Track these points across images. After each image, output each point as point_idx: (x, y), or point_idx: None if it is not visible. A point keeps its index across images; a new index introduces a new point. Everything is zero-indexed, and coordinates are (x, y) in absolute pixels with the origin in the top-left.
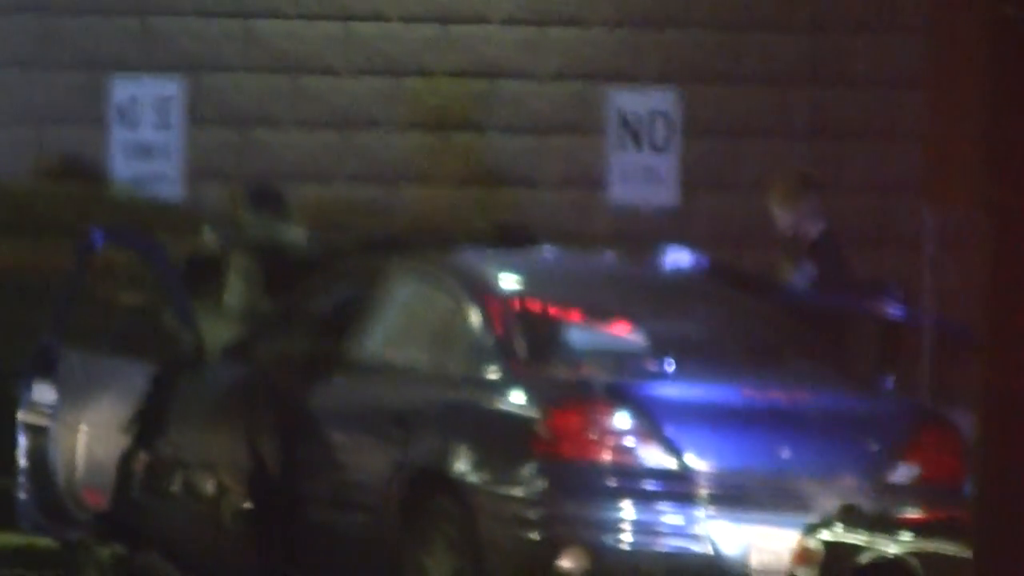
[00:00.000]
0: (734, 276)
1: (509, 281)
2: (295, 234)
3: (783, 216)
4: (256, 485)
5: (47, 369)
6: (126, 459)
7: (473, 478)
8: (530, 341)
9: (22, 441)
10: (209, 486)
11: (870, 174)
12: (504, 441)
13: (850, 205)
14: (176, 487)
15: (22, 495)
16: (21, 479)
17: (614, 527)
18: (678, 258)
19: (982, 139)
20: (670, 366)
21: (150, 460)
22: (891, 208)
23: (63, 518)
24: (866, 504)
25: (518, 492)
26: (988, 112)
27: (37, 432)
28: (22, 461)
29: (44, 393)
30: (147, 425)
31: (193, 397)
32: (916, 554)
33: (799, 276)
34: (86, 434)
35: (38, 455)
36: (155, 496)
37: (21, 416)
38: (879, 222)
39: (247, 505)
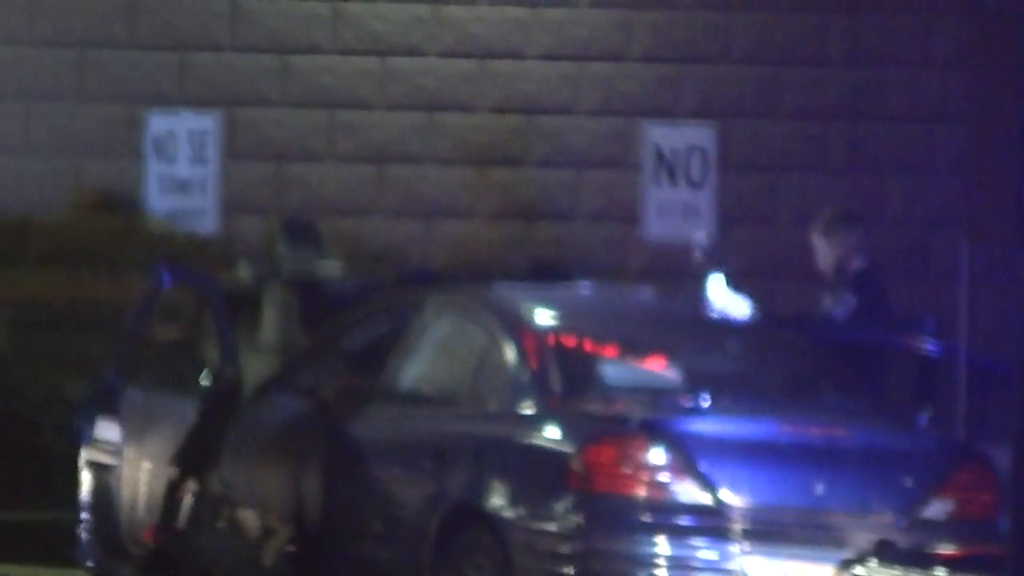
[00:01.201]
0: (771, 312)
1: (545, 316)
2: (331, 268)
3: (826, 250)
4: (299, 524)
5: (111, 406)
6: (172, 493)
7: (508, 512)
8: (566, 376)
9: (86, 478)
10: (252, 524)
11: (908, 209)
12: (539, 476)
13: (888, 239)
14: (219, 523)
15: (85, 533)
16: (85, 516)
17: (649, 562)
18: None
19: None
20: (705, 401)
21: (195, 495)
22: (929, 243)
23: (121, 555)
24: (901, 540)
25: (553, 527)
26: None
27: (101, 469)
28: (86, 498)
29: (108, 430)
30: (191, 459)
31: (233, 432)
32: None
33: (839, 310)
34: (148, 472)
35: (102, 492)
36: (200, 531)
37: (85, 454)
38: (916, 257)
39: (290, 547)
